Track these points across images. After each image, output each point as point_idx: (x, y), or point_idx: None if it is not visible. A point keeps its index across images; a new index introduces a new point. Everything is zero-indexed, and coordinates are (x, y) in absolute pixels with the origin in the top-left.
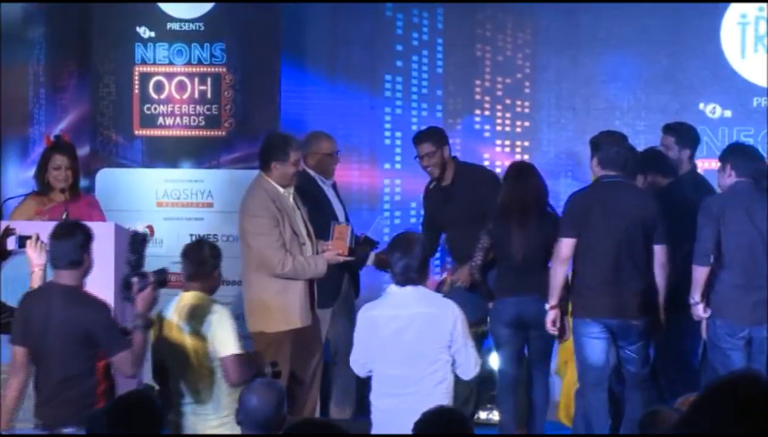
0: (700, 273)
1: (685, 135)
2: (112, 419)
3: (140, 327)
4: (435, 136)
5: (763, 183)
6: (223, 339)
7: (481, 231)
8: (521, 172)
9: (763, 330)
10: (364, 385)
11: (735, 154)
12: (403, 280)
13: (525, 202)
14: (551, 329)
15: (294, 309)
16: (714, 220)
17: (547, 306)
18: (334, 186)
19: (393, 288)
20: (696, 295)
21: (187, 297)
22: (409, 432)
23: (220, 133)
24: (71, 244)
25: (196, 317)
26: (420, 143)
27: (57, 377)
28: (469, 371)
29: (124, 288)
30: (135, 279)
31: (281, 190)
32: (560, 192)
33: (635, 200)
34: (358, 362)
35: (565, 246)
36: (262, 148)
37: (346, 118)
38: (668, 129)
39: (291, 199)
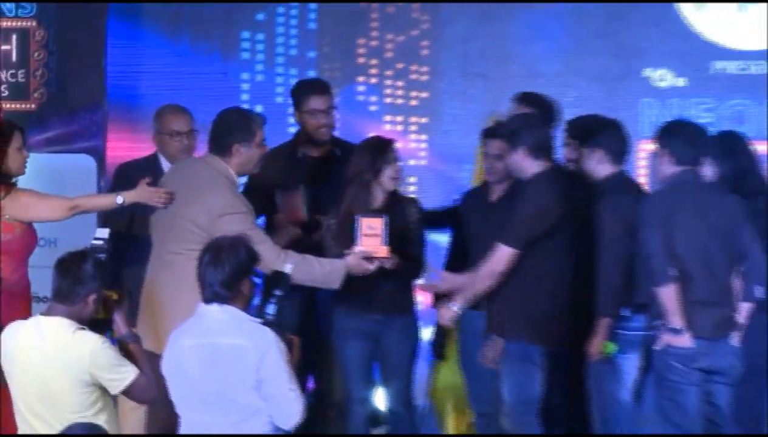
0: (668, 295)
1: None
2: None
3: None
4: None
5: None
6: (113, 375)
7: None
8: None
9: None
10: None
11: (672, 135)
12: (207, 296)
13: None
14: None
15: None
16: (661, 225)
17: None
18: None
19: (201, 307)
20: (677, 320)
21: (47, 327)
22: None
23: (28, 106)
24: None
25: (66, 352)
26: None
27: None
28: (286, 420)
29: None
30: None
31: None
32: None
33: None
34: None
35: None
36: (217, 126)
37: (192, 87)
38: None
39: None
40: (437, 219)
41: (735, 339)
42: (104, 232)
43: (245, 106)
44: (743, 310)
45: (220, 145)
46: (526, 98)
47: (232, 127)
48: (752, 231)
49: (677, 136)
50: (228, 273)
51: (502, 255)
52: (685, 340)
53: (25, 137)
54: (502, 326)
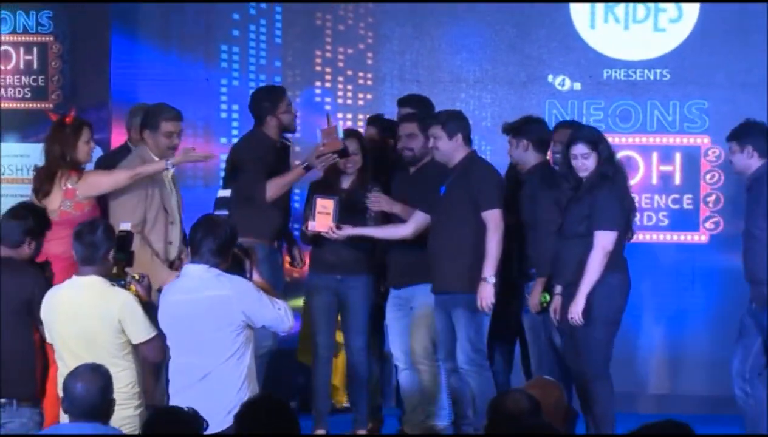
0: None
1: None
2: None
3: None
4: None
5: None
6: (137, 326)
7: None
8: None
9: None
10: None
11: (756, 134)
12: (198, 259)
13: None
14: None
15: None
16: None
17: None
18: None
19: (187, 268)
20: None
21: (83, 283)
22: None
23: (47, 105)
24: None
25: (102, 302)
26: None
27: None
28: (282, 326)
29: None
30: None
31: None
32: None
33: None
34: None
35: None
36: (136, 117)
37: (180, 90)
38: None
39: (169, 176)
40: None
41: None
42: (127, 225)
43: (225, 105)
44: None
45: (140, 132)
46: (409, 100)
47: (142, 119)
48: None
49: (759, 134)
50: (222, 242)
51: (495, 220)
52: None
53: (92, 131)
54: (464, 281)
